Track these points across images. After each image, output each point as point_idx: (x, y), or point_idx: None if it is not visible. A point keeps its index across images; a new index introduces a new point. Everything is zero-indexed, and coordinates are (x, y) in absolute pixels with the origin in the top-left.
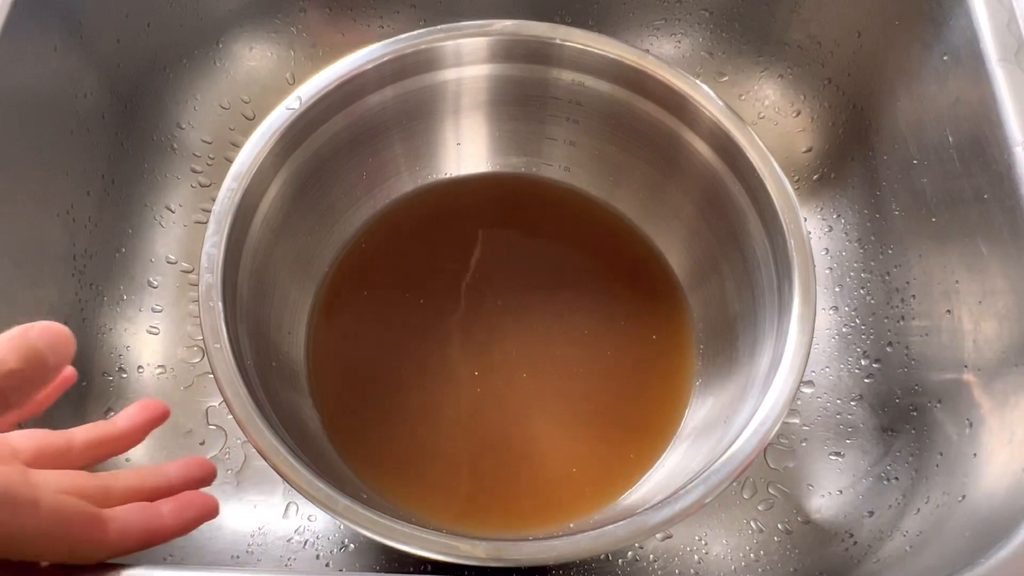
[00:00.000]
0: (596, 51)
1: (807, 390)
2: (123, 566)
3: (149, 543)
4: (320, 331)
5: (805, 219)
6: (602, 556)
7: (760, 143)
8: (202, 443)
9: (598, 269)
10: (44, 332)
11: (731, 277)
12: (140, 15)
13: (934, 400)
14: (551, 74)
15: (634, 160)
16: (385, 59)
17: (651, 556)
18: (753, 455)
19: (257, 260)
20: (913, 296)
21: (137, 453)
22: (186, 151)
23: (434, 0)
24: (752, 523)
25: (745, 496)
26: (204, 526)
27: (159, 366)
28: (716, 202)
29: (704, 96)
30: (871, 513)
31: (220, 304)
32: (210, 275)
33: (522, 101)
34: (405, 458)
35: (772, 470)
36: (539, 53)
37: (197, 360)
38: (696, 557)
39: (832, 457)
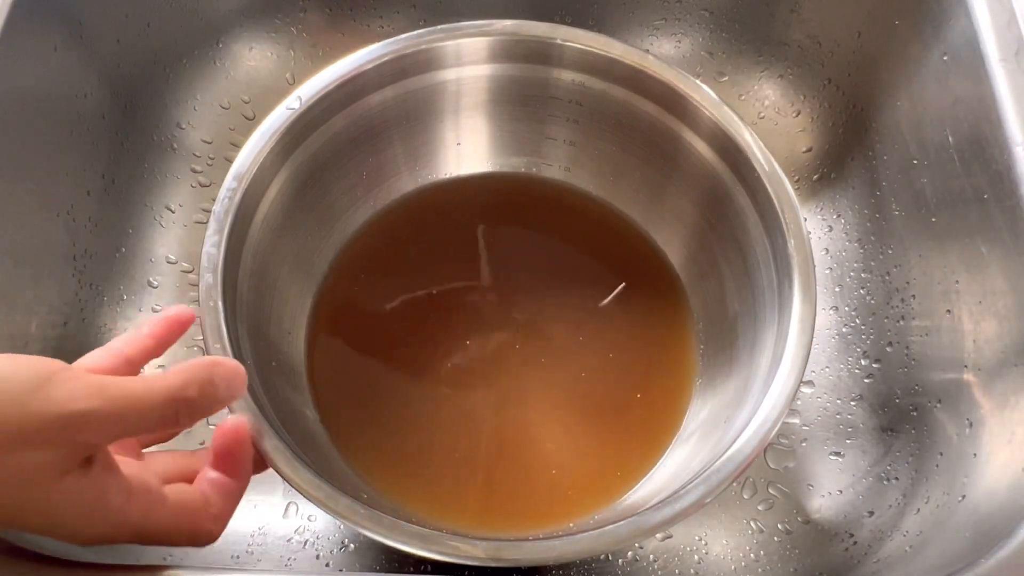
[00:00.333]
0: (597, 51)
1: (807, 390)
2: (123, 567)
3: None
4: (320, 331)
5: (805, 219)
6: (602, 556)
7: (760, 143)
8: (202, 443)
9: (598, 269)
10: (226, 371)
11: (731, 277)
12: (140, 15)
13: (934, 400)
14: (551, 74)
15: (634, 160)
16: (385, 59)
17: (651, 556)
18: (753, 455)
19: (257, 260)
20: (913, 296)
21: None
22: (186, 151)
23: (434, 0)
24: (752, 523)
25: (745, 496)
26: None
27: (159, 366)
28: (716, 202)
29: (704, 96)
30: (871, 513)
31: (220, 303)
32: (210, 275)
33: (522, 101)
34: (405, 458)
35: (772, 470)
36: (539, 53)
37: None
38: (696, 557)
39: (832, 457)
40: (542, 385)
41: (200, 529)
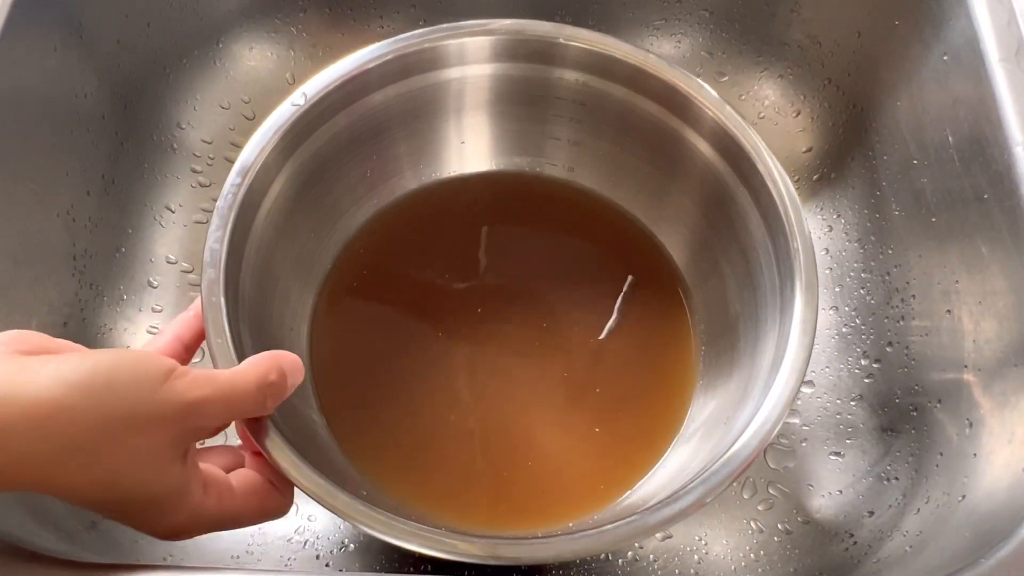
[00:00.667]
0: (600, 51)
1: (807, 390)
2: (124, 566)
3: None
4: (322, 329)
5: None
6: (602, 556)
7: (764, 144)
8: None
9: (601, 268)
10: (290, 360)
11: (733, 277)
12: (140, 15)
13: (934, 400)
14: (555, 74)
15: (637, 160)
16: (388, 58)
17: (651, 556)
18: (753, 456)
19: (260, 257)
20: (913, 296)
21: None
22: (186, 151)
23: (434, 0)
24: (752, 523)
25: (745, 496)
26: None
27: None
28: (719, 202)
29: (707, 97)
30: (871, 513)
31: (223, 299)
32: (213, 270)
33: (525, 100)
34: (407, 456)
35: (772, 470)
36: (543, 53)
37: (198, 360)
38: (696, 557)
39: (832, 457)
40: (544, 384)
41: (268, 507)
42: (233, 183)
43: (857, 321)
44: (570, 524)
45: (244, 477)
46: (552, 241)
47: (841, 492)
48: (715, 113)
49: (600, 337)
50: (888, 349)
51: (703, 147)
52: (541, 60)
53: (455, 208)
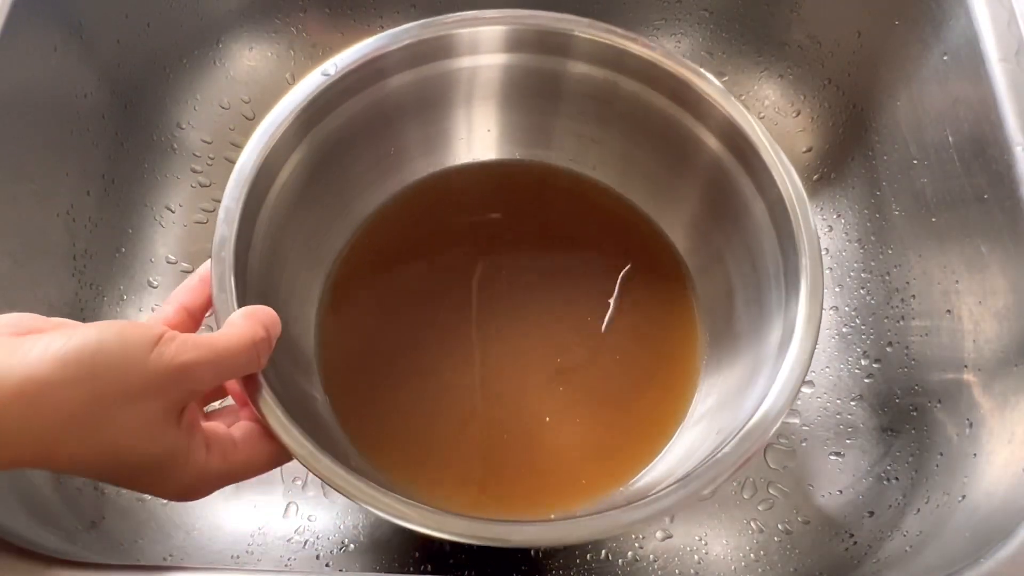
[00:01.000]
0: (610, 44)
1: (807, 390)
2: (124, 566)
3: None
4: (330, 314)
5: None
6: (602, 555)
7: (770, 138)
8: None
9: (607, 257)
10: (265, 313)
11: (736, 267)
12: (140, 15)
13: (934, 400)
14: (565, 66)
15: (645, 152)
16: (405, 43)
17: (651, 556)
18: (756, 447)
19: (269, 238)
20: (913, 296)
21: None
22: (186, 151)
23: (434, 0)
24: (752, 523)
25: (745, 496)
26: (204, 526)
27: None
28: (725, 195)
29: (716, 91)
30: (871, 513)
31: (232, 257)
32: (226, 227)
33: (535, 92)
34: (413, 442)
35: (772, 470)
36: (554, 44)
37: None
38: (696, 557)
39: (832, 457)
40: (550, 369)
41: (273, 452)
42: (255, 146)
43: (857, 321)
44: (574, 509)
45: (244, 428)
46: (559, 230)
47: (841, 492)
48: (724, 107)
49: (605, 323)
50: (888, 349)
51: (711, 141)
52: (552, 52)
53: (463, 197)
